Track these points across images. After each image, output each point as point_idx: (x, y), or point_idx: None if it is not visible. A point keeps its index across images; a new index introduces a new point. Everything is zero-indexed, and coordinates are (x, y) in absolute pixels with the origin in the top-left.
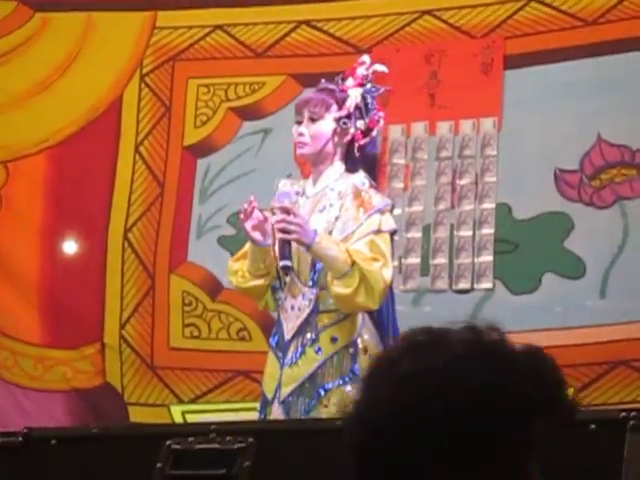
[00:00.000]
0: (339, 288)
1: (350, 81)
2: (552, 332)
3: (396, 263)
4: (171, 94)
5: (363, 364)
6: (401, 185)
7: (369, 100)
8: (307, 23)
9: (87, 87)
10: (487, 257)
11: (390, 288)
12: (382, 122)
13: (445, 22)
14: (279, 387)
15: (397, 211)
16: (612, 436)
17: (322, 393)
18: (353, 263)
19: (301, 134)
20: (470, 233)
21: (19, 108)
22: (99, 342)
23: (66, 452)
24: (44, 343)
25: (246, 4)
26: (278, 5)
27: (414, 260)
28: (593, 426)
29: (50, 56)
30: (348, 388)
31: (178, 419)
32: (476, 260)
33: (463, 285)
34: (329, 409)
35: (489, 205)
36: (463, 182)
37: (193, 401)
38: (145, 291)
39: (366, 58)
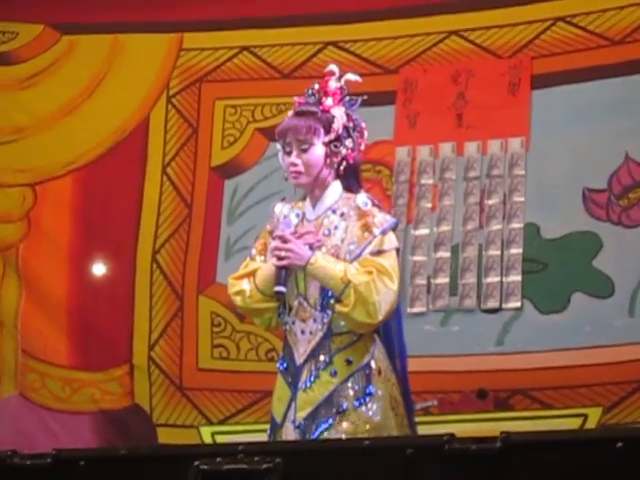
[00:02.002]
0: (338, 307)
1: (330, 101)
2: (581, 351)
3: (424, 282)
4: (198, 115)
5: (378, 385)
6: (429, 205)
7: (353, 116)
8: (334, 44)
9: (114, 109)
10: (515, 277)
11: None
12: (366, 132)
13: (472, 42)
14: (288, 410)
15: (425, 231)
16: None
17: (338, 415)
18: (348, 281)
19: (294, 164)
20: (498, 252)
21: (46, 130)
22: (128, 364)
23: (95, 473)
24: (72, 365)
25: (273, 25)
26: (305, 26)
27: (443, 280)
28: (620, 444)
29: (77, 78)
30: (363, 409)
31: (207, 440)
32: (504, 279)
33: (492, 304)
34: (346, 429)
35: (517, 225)
36: (491, 202)
37: (222, 422)
38: (174, 312)
39: (334, 68)
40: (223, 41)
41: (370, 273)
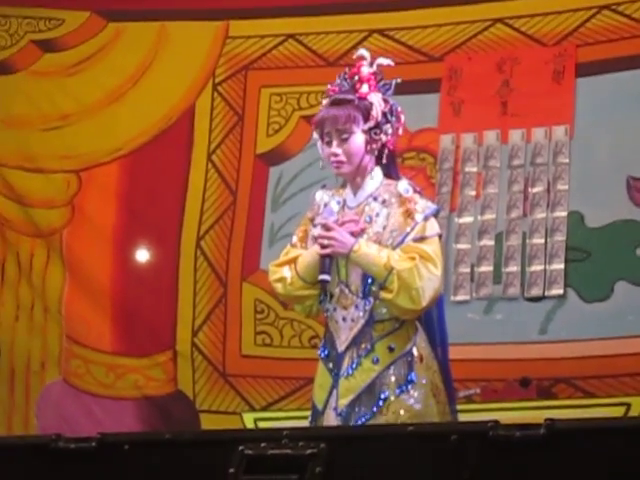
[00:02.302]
0: (383, 293)
1: (365, 87)
2: (624, 340)
3: (468, 270)
4: (244, 103)
5: (419, 372)
6: (473, 193)
7: (390, 101)
8: (379, 32)
9: (160, 96)
10: (559, 265)
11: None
12: (403, 116)
13: (517, 30)
14: (330, 397)
15: (469, 219)
16: None
17: (381, 403)
18: (392, 268)
19: (335, 154)
20: (542, 241)
21: (92, 117)
22: (171, 350)
23: (139, 457)
24: (116, 351)
25: (318, 13)
26: (350, 14)
27: (487, 268)
28: None
29: (123, 66)
30: (405, 397)
31: (250, 426)
32: (548, 267)
33: (535, 293)
34: (388, 417)
35: (561, 213)
36: (535, 190)
37: (265, 409)
38: (217, 299)
39: (364, 52)
40: (269, 29)
41: (413, 259)
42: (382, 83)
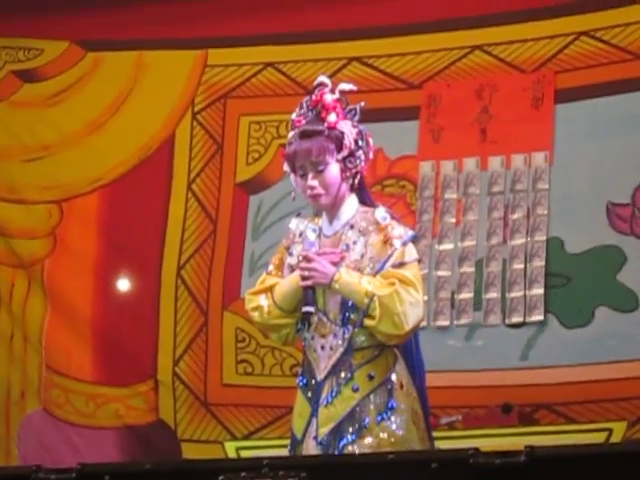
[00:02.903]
0: (367, 321)
1: (333, 116)
2: (605, 365)
3: (448, 297)
4: (223, 131)
5: (400, 399)
6: (453, 220)
7: (359, 127)
8: (357, 59)
9: (139, 126)
10: (538, 290)
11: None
12: (371, 140)
13: (495, 57)
14: (309, 426)
15: (449, 246)
16: None
17: (363, 429)
18: (373, 295)
19: (312, 187)
20: (522, 266)
21: (72, 147)
22: (152, 379)
23: None
24: (96, 380)
25: (296, 41)
26: (328, 42)
27: (467, 295)
28: None
29: (102, 95)
30: (387, 423)
31: (232, 455)
32: (528, 293)
33: (516, 319)
34: (369, 445)
35: (540, 238)
36: (515, 216)
37: (247, 437)
38: (198, 328)
39: (325, 79)
40: (247, 57)
41: (393, 284)
42: (348, 109)
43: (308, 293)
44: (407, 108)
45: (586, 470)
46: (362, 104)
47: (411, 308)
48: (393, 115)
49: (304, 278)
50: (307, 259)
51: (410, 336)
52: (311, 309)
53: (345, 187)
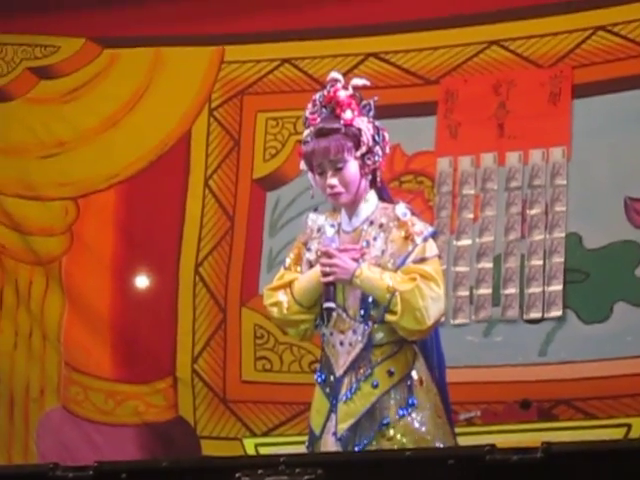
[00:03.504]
0: (388, 316)
1: (349, 113)
2: (624, 361)
3: (467, 293)
4: (240, 128)
5: (420, 395)
6: (471, 216)
7: (375, 123)
8: (375, 55)
9: (156, 122)
10: (557, 286)
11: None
12: (387, 134)
13: (513, 52)
14: (328, 422)
15: (467, 242)
16: None
17: (383, 427)
18: (394, 290)
19: (332, 186)
20: (541, 262)
21: (88, 144)
22: (171, 376)
23: None
24: (115, 378)
25: (313, 37)
26: (345, 38)
27: (485, 290)
28: None
29: (119, 92)
30: (408, 420)
31: (251, 452)
32: (546, 289)
33: (534, 315)
34: (390, 442)
35: (559, 234)
36: (533, 212)
37: (266, 434)
38: (217, 325)
39: (337, 75)
40: (264, 53)
41: (414, 280)
42: (363, 104)
43: (329, 289)
44: (424, 104)
45: (604, 466)
46: (376, 99)
47: (433, 303)
48: (410, 111)
49: (325, 274)
50: (328, 255)
51: (431, 332)
52: (332, 305)
53: (365, 184)
